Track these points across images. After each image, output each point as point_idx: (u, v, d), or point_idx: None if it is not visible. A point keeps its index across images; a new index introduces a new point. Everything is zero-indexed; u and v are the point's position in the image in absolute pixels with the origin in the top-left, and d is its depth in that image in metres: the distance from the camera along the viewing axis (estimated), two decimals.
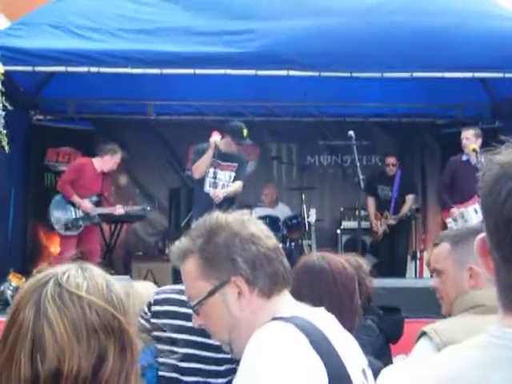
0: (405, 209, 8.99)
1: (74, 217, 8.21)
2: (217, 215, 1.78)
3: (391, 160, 9.14)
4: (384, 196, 9.09)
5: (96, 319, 1.22)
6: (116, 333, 1.24)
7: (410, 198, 9.10)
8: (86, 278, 1.27)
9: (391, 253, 9.00)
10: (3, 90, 6.45)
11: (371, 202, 9.20)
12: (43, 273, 1.29)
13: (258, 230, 1.75)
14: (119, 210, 8.62)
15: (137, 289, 4.05)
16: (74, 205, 8.25)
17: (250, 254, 1.70)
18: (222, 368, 3.00)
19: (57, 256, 8.33)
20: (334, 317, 1.75)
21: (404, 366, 1.19)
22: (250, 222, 1.77)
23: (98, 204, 8.45)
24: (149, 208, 8.99)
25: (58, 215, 8.23)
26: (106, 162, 8.37)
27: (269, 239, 1.76)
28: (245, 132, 7.32)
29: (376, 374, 2.34)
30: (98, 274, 1.31)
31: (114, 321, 1.24)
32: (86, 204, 8.26)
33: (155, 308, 3.24)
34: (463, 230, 2.53)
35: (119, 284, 1.34)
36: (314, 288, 2.36)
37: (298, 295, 2.29)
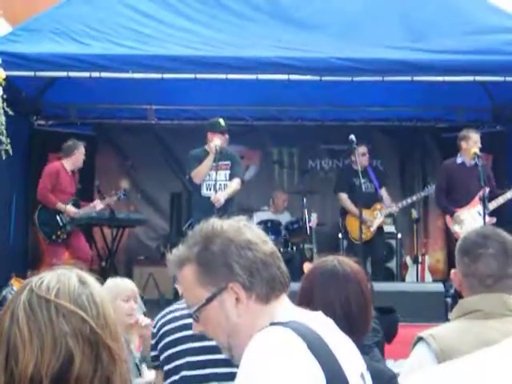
0: (396, 205, 8.58)
1: (61, 224, 8.18)
2: (212, 222, 1.78)
3: (363, 150, 8.54)
4: (366, 189, 8.40)
5: (62, 323, 1.22)
6: (86, 336, 1.23)
7: (384, 193, 8.73)
8: (59, 281, 1.27)
9: (368, 256, 8.39)
10: (4, 95, 6.46)
11: (344, 197, 8.65)
12: (28, 279, 1.31)
13: (254, 236, 1.76)
14: (98, 205, 8.54)
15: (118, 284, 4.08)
16: (57, 212, 8.15)
17: (247, 259, 1.71)
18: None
19: (51, 265, 8.20)
20: (332, 321, 1.76)
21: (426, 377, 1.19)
22: (246, 228, 1.77)
23: (77, 204, 8.39)
24: (123, 192, 8.90)
25: (47, 229, 8.17)
26: (77, 159, 8.26)
27: (265, 244, 1.76)
28: (221, 122, 7.38)
29: (388, 382, 2.35)
30: (74, 276, 1.30)
31: (84, 324, 1.24)
32: (71, 209, 8.21)
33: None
34: (464, 236, 2.54)
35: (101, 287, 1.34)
36: (342, 295, 2.36)
37: (327, 302, 2.29)
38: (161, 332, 3.29)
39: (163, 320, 3.32)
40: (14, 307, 1.25)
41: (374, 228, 8.45)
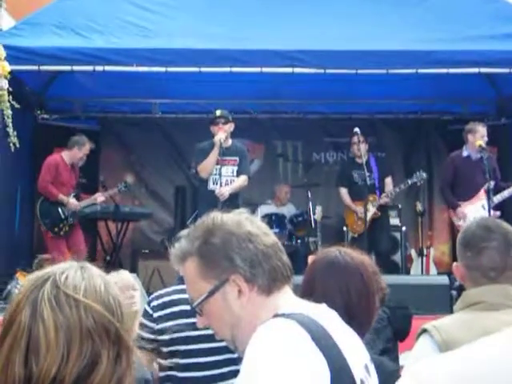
0: (385, 195, 8.43)
1: (63, 217, 8.19)
2: (213, 216, 1.79)
3: (356, 139, 8.39)
4: (363, 181, 8.24)
5: (92, 324, 1.21)
6: (112, 338, 1.23)
7: (388, 181, 8.62)
8: (84, 279, 1.26)
9: (373, 249, 8.25)
10: (10, 89, 6.47)
11: (344, 192, 8.64)
12: (42, 271, 1.29)
13: (255, 228, 1.76)
14: (100, 198, 8.56)
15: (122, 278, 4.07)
16: (59, 204, 8.15)
17: (248, 252, 1.72)
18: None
19: (50, 258, 8.20)
20: (336, 313, 1.76)
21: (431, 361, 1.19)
22: (247, 221, 1.78)
23: (77, 197, 8.40)
24: (124, 184, 8.91)
25: (48, 221, 8.16)
26: (74, 155, 8.25)
27: (266, 236, 1.77)
28: (217, 112, 7.36)
29: (389, 376, 2.34)
30: (96, 275, 1.30)
31: (111, 326, 1.24)
32: (73, 201, 8.21)
33: (157, 314, 3.26)
34: (465, 229, 2.53)
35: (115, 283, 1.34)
36: (342, 284, 2.35)
37: (327, 292, 2.29)
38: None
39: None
40: (35, 300, 1.22)
41: (368, 219, 8.19)
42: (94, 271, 1.31)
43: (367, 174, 8.05)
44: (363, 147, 8.33)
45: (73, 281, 1.25)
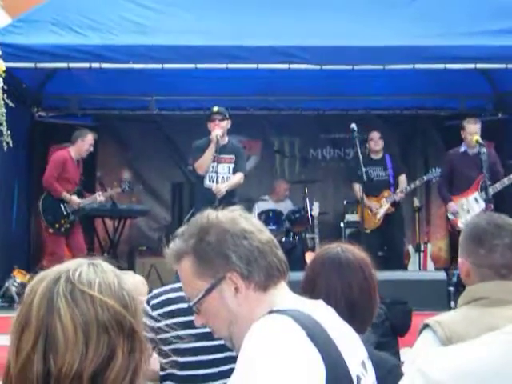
0: (400, 190, 8.51)
1: (65, 213, 8.17)
2: (207, 214, 1.79)
3: (376, 135, 8.64)
4: (377, 177, 8.51)
5: (108, 318, 1.22)
6: (126, 332, 1.24)
7: (402, 179, 8.69)
8: (97, 275, 1.27)
9: (386, 244, 8.55)
10: (5, 87, 6.45)
11: (358, 187, 8.39)
12: (53, 269, 1.29)
13: (250, 225, 1.76)
14: (99, 197, 8.55)
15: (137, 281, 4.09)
16: (62, 201, 8.14)
17: (243, 249, 1.72)
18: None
19: (51, 256, 8.17)
20: (333, 309, 1.76)
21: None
22: (241, 218, 1.78)
23: (80, 194, 8.41)
24: (128, 184, 8.91)
25: (50, 217, 8.15)
26: (79, 148, 8.25)
27: (261, 233, 1.77)
28: (214, 109, 7.35)
29: (389, 371, 2.34)
30: (109, 270, 1.31)
31: (125, 321, 1.25)
32: (76, 199, 8.20)
33: (156, 313, 3.26)
34: (469, 223, 2.48)
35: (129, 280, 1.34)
36: (343, 281, 2.35)
37: (328, 289, 2.29)
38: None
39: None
40: (50, 297, 1.22)
41: (380, 215, 8.46)
42: (106, 267, 1.31)
43: (383, 170, 8.21)
44: (381, 143, 8.58)
45: (87, 277, 1.26)
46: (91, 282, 1.25)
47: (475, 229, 2.38)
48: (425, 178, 8.54)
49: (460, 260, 2.41)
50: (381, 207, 8.45)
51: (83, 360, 1.18)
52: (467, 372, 1.10)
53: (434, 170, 8.44)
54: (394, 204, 8.52)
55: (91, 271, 1.27)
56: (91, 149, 8.40)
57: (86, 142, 8.26)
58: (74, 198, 8.21)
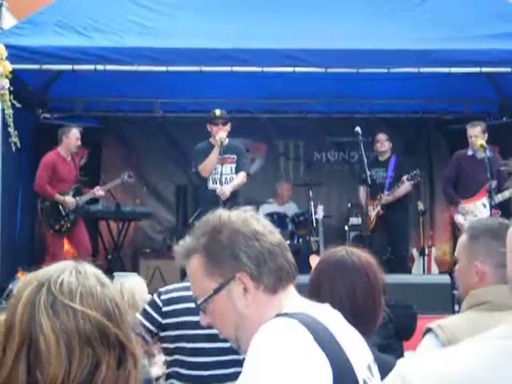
0: (401, 190, 8.35)
1: (63, 213, 8.17)
2: (220, 213, 1.78)
3: (382, 137, 8.60)
4: (378, 178, 8.46)
5: (90, 329, 1.21)
6: (112, 344, 1.23)
7: (404, 180, 8.38)
8: (80, 282, 1.26)
9: (389, 248, 8.42)
10: (11, 88, 6.47)
11: (361, 190, 8.48)
12: (38, 273, 1.28)
13: (261, 226, 1.76)
14: (99, 192, 8.55)
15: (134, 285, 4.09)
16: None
17: (254, 250, 1.71)
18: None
19: (52, 257, 8.15)
20: (339, 313, 1.76)
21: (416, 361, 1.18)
22: (253, 219, 1.77)
23: (79, 191, 8.40)
24: (128, 174, 8.90)
25: (50, 218, 8.16)
26: (67, 145, 8.26)
27: (272, 235, 1.76)
28: (217, 112, 7.43)
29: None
30: (92, 276, 1.29)
31: (109, 331, 1.23)
32: (69, 200, 8.18)
33: (165, 309, 3.25)
34: (481, 225, 2.44)
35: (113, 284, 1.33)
36: (349, 284, 2.35)
37: (334, 291, 2.29)
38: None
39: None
40: (32, 308, 1.21)
41: (372, 218, 8.40)
42: (90, 272, 1.29)
43: (384, 172, 8.17)
44: (387, 145, 8.56)
45: (68, 286, 1.24)
46: (72, 291, 1.23)
47: (496, 227, 2.30)
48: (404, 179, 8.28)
49: (468, 263, 2.37)
50: (373, 210, 8.41)
51: (67, 373, 1.17)
52: (451, 379, 1.09)
53: (415, 171, 8.19)
54: (383, 207, 8.42)
55: (73, 279, 1.26)
56: (79, 142, 8.37)
57: (70, 138, 8.27)
58: (68, 198, 8.19)
